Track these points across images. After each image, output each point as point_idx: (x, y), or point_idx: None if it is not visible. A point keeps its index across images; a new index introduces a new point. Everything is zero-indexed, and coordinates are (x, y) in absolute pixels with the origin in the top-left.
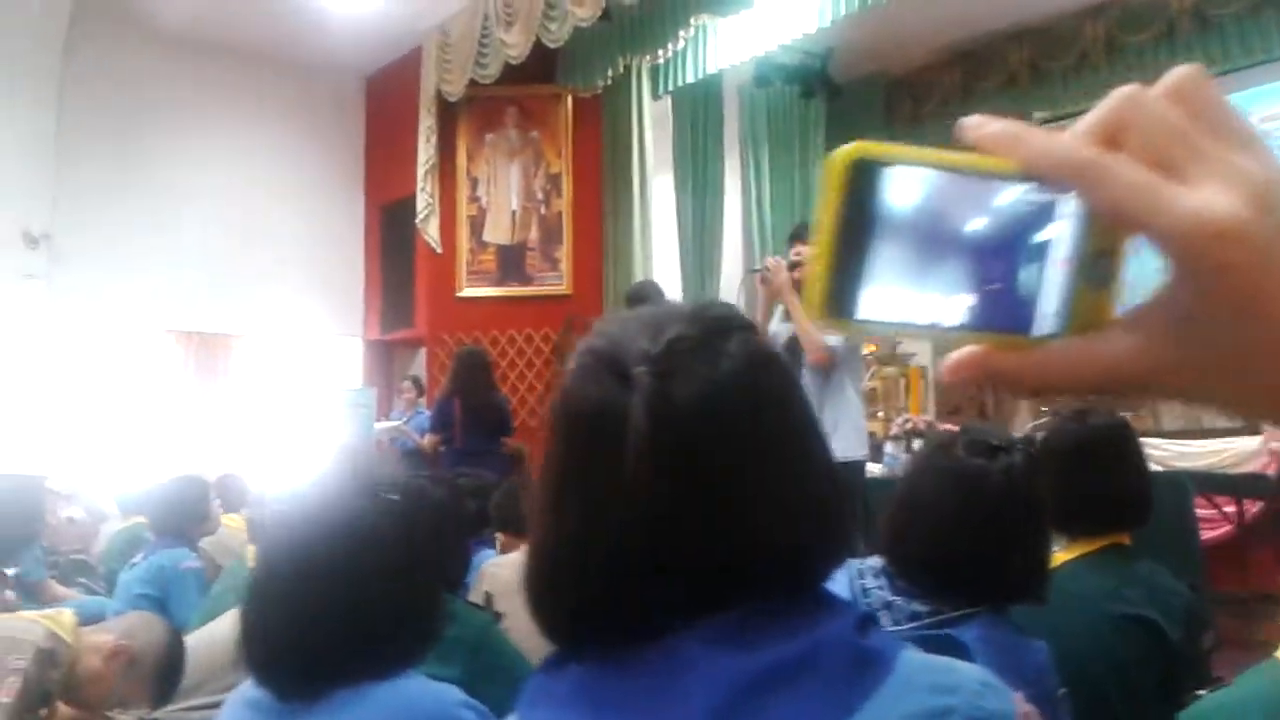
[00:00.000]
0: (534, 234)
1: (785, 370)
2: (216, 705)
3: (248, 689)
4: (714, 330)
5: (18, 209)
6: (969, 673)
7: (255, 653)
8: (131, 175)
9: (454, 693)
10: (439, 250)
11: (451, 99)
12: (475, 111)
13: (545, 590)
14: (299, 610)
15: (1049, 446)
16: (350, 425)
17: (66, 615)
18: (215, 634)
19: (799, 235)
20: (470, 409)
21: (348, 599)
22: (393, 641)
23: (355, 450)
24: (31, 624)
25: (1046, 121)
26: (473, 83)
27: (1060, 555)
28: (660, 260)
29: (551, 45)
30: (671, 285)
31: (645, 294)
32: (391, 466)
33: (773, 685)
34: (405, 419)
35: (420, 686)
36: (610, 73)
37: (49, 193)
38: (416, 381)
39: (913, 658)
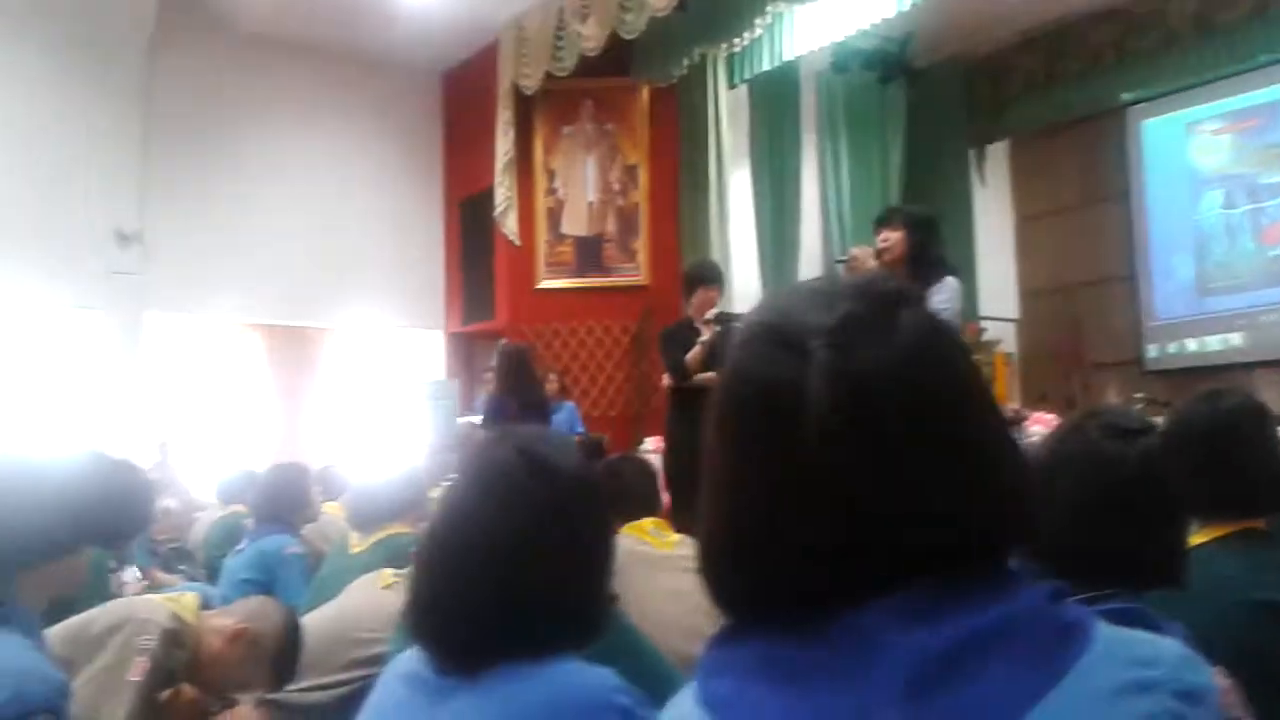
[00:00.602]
0: (611, 226)
1: (960, 342)
2: (326, 688)
3: (403, 662)
4: (887, 303)
5: (109, 208)
6: (1169, 646)
7: (419, 624)
8: (216, 173)
9: (610, 678)
10: (517, 243)
11: (528, 92)
12: (551, 104)
13: (724, 566)
14: (465, 585)
15: (1181, 429)
16: (433, 417)
17: (189, 597)
18: (323, 619)
19: (885, 220)
20: (524, 404)
21: (513, 578)
22: (556, 625)
23: (529, 431)
24: (157, 606)
25: (1133, 104)
26: (549, 76)
27: (1192, 539)
28: (738, 251)
29: (627, 36)
30: (749, 276)
31: (705, 274)
32: (566, 449)
33: (971, 656)
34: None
35: (576, 670)
36: (686, 63)
37: (138, 192)
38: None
39: (1110, 630)
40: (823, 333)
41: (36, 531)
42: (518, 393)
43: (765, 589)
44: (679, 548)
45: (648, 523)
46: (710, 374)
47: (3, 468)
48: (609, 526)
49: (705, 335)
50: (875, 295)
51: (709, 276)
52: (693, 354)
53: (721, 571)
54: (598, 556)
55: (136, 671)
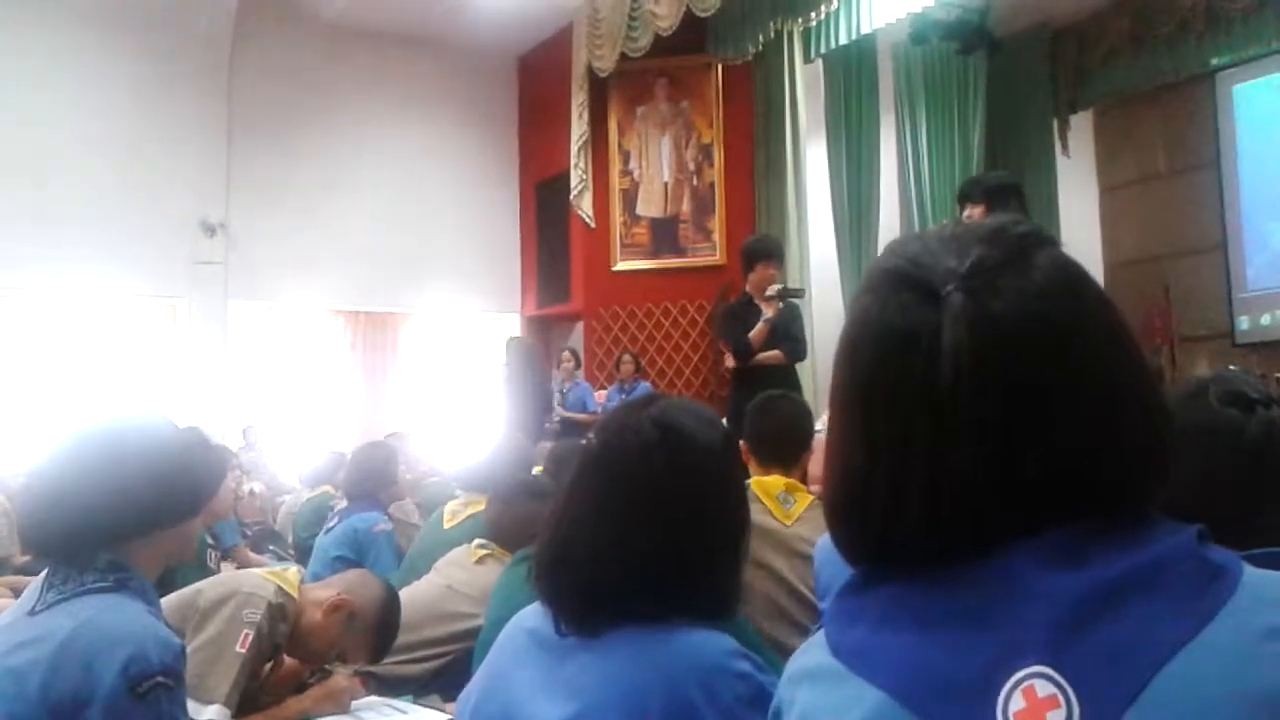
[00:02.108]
0: (686, 206)
1: (1095, 283)
2: (420, 660)
3: (529, 617)
4: (1020, 246)
5: (194, 199)
6: None
7: (544, 584)
8: (298, 164)
9: (727, 642)
10: (593, 225)
11: (602, 74)
12: (625, 85)
13: (854, 517)
14: (592, 551)
15: None
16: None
17: (292, 572)
18: (418, 593)
19: (968, 195)
20: (533, 387)
21: (640, 547)
22: (681, 596)
23: (669, 400)
24: (263, 581)
25: (1224, 69)
26: (623, 56)
27: None
28: (815, 228)
29: (701, 14)
30: (827, 253)
31: (763, 250)
32: (703, 420)
33: (1120, 598)
34: (564, 389)
35: (696, 635)
36: (761, 39)
37: (223, 183)
38: (574, 353)
39: (1259, 573)
40: (956, 277)
41: (157, 499)
42: (528, 378)
43: (899, 538)
44: (799, 525)
45: (779, 483)
46: (773, 352)
47: (126, 438)
48: (741, 507)
49: (768, 313)
50: (1007, 238)
51: (767, 252)
52: (756, 331)
53: (852, 522)
54: (727, 531)
55: (243, 643)
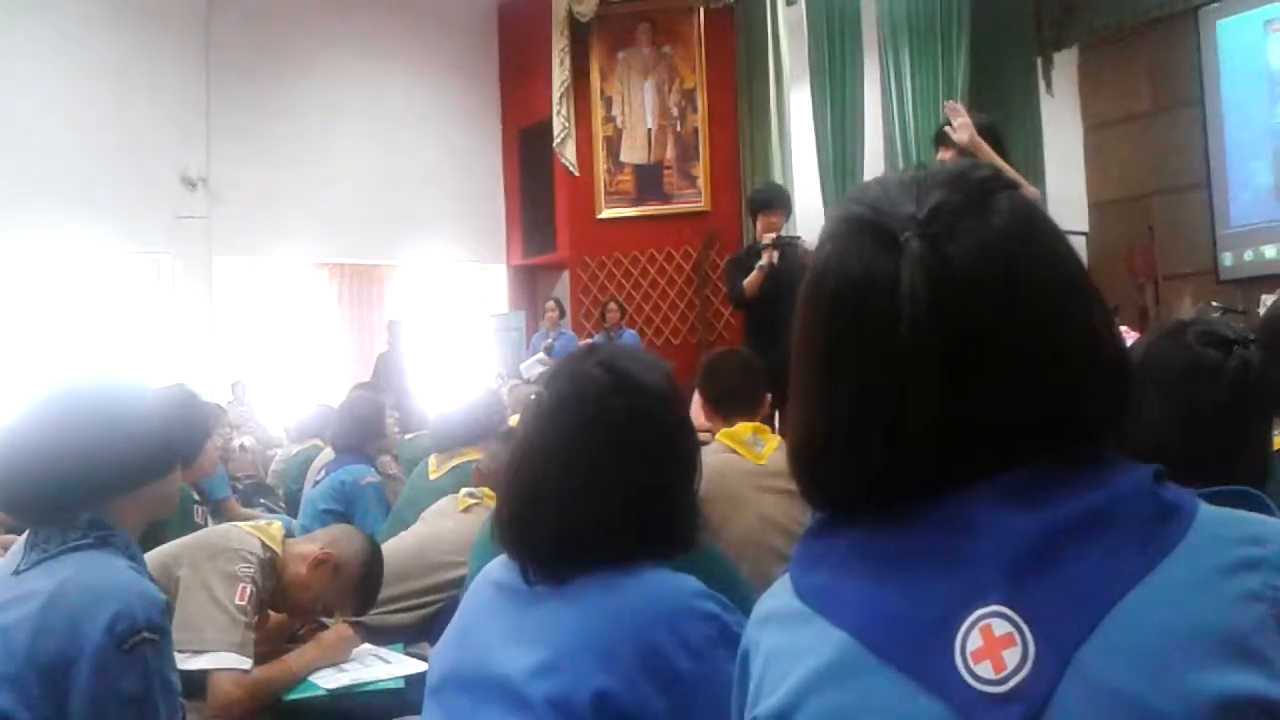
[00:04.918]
0: (670, 152)
1: (1055, 227)
2: (409, 609)
3: (495, 568)
4: (979, 191)
5: (174, 155)
6: (1274, 525)
7: (507, 535)
8: (279, 116)
9: (692, 583)
10: (576, 173)
11: (583, 18)
12: (607, 30)
13: (818, 462)
14: (550, 499)
15: (1269, 326)
16: (500, 348)
17: (276, 526)
18: (405, 543)
19: (944, 139)
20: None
21: (598, 492)
22: (642, 537)
23: (616, 347)
24: (248, 535)
25: (1207, 3)
26: (603, 1)
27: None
28: (800, 171)
29: None
30: (811, 195)
31: (763, 199)
32: (651, 365)
33: (1075, 537)
34: (549, 338)
35: (662, 578)
36: None
37: (203, 137)
38: (559, 303)
39: (1212, 510)
40: (915, 223)
41: (136, 455)
42: (399, 353)
43: (861, 482)
44: (771, 463)
45: (745, 430)
46: None
47: (101, 395)
48: (693, 441)
49: (763, 261)
50: (967, 183)
51: (767, 201)
52: (750, 280)
53: (816, 467)
54: (682, 470)
55: (242, 595)
